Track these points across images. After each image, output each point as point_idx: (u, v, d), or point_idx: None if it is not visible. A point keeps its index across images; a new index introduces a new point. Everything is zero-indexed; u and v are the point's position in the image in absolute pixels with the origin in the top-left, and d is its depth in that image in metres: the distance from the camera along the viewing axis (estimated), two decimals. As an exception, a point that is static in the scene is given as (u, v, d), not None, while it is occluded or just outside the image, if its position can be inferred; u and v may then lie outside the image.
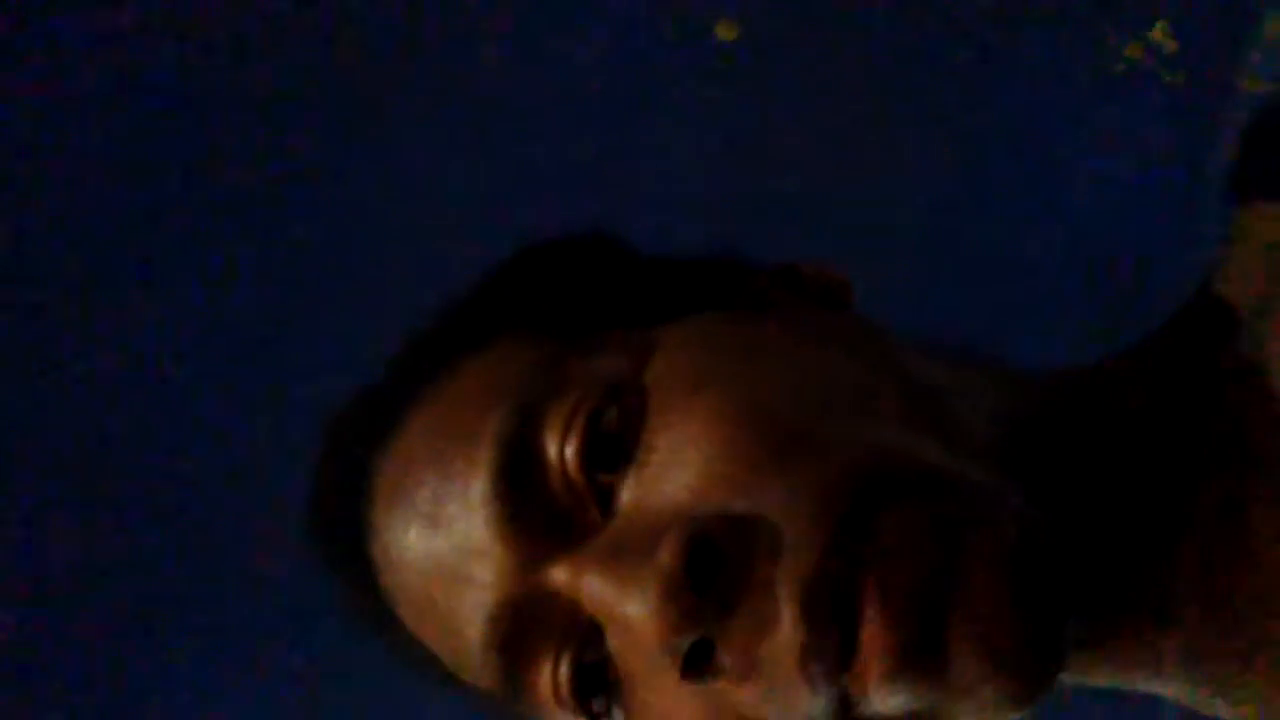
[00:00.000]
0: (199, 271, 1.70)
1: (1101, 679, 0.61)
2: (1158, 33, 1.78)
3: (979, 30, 1.79)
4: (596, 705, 0.57)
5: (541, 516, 0.56)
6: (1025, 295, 1.75)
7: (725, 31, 1.77)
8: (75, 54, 1.65)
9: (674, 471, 0.55)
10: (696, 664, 0.52)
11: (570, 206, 1.71)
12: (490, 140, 1.76)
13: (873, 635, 0.50)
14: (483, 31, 1.78)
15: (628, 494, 0.56)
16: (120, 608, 1.67)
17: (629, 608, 0.53)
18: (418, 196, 1.74)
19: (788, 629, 0.50)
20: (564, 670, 0.57)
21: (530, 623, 0.56)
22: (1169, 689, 0.61)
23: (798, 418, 0.55)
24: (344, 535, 0.63)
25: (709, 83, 1.77)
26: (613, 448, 0.56)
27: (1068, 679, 0.58)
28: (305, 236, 1.73)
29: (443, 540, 0.58)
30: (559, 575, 0.56)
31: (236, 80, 1.70)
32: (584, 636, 0.56)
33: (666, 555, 0.51)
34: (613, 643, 0.55)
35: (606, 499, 0.56)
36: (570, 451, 0.57)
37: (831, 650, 0.50)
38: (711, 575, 0.51)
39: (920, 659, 0.50)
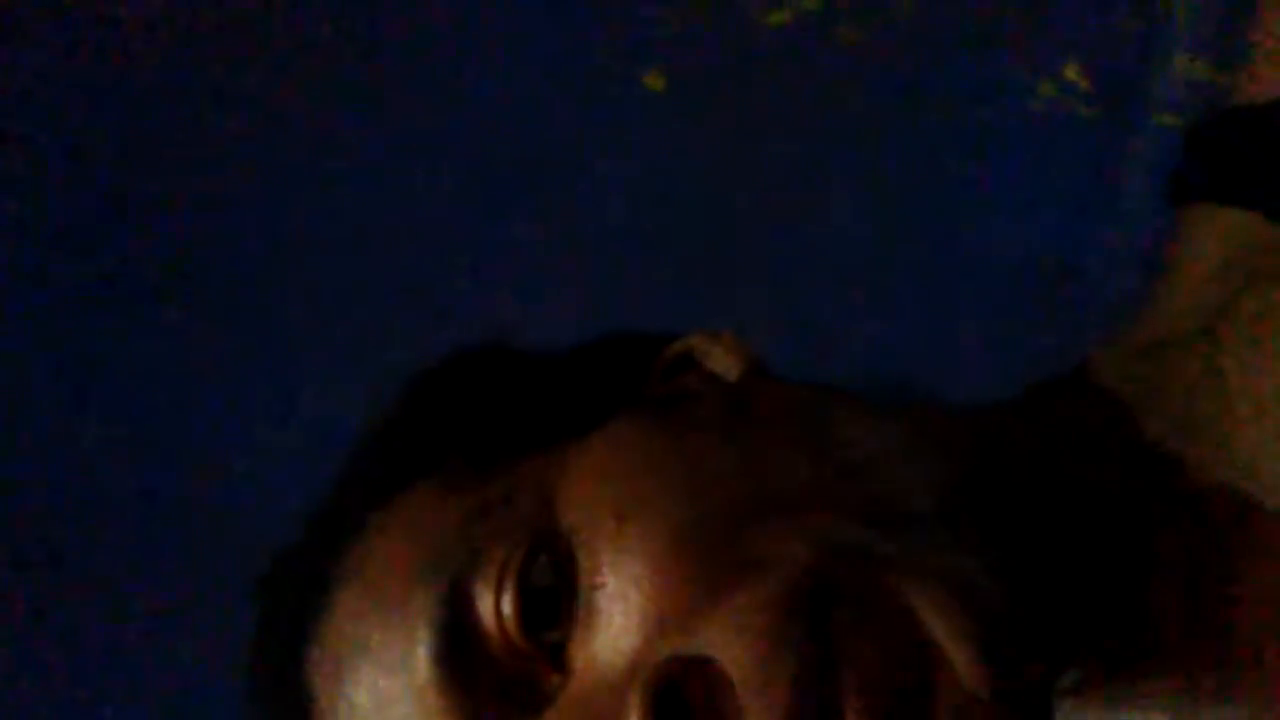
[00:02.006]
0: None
1: None
2: (1070, 72, 1.82)
3: (899, 72, 1.83)
4: None
5: (493, 690, 0.55)
6: (947, 328, 1.78)
7: (653, 82, 1.80)
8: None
9: (619, 618, 0.53)
10: None
11: (494, 255, 1.73)
12: (412, 187, 1.76)
13: None
14: (408, 78, 1.79)
15: (578, 650, 0.54)
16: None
17: None
18: (342, 252, 1.75)
19: None
20: None
21: None
22: None
23: (727, 533, 0.54)
24: None
25: (637, 132, 1.79)
26: (552, 601, 0.55)
27: None
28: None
29: None
30: None
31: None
32: None
33: None
34: None
35: (558, 655, 0.55)
36: (508, 617, 0.55)
37: None
38: None
39: None
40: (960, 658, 0.50)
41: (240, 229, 1.73)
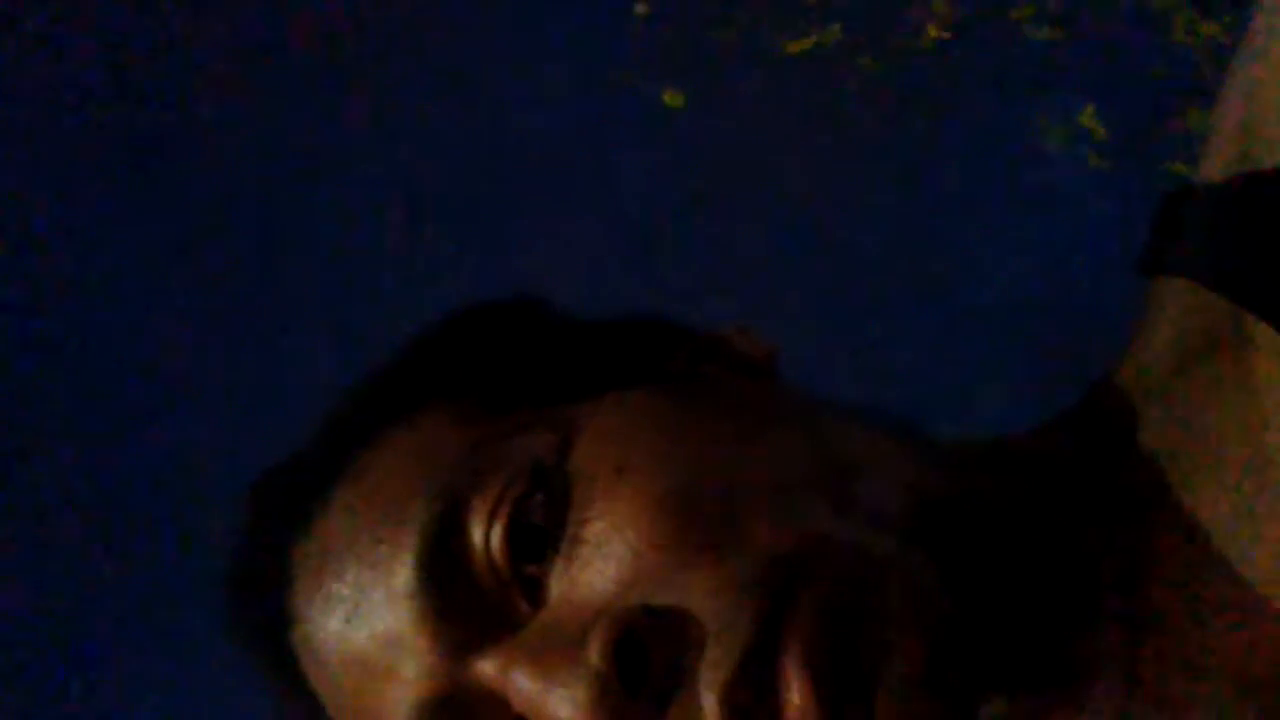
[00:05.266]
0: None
1: None
2: (1087, 118, 1.84)
3: (919, 107, 1.84)
4: None
5: (468, 608, 0.55)
6: (954, 357, 1.78)
7: (672, 99, 1.81)
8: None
9: (600, 563, 0.54)
10: None
11: (516, 266, 1.74)
12: (436, 199, 1.78)
13: None
14: (432, 91, 1.80)
15: (555, 585, 0.54)
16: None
17: (559, 708, 0.52)
18: (361, 250, 1.76)
19: None
20: None
21: (456, 718, 0.55)
22: None
23: (719, 505, 0.55)
24: (263, 621, 0.61)
25: (657, 148, 1.80)
26: (539, 536, 0.55)
27: None
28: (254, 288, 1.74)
29: (365, 632, 0.57)
30: (486, 669, 0.54)
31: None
32: None
33: (595, 655, 0.51)
34: None
35: (534, 589, 0.55)
36: (496, 542, 0.55)
37: None
38: (640, 670, 0.51)
39: None
40: (910, 653, 0.52)
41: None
